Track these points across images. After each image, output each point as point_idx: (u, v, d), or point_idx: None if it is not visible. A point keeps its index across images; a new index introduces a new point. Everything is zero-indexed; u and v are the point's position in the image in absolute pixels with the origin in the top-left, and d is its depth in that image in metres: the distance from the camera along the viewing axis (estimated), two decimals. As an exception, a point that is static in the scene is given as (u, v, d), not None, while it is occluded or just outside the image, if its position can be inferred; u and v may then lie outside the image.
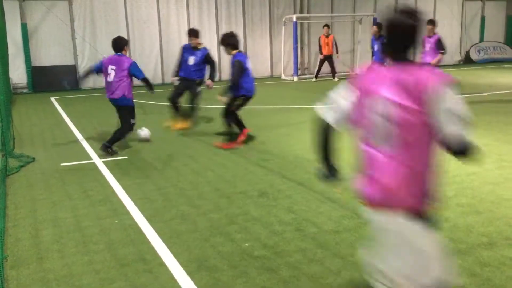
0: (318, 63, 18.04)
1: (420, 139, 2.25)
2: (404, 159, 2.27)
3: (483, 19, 23.72)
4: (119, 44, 7.53)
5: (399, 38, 2.33)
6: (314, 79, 17.75)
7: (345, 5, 20.44)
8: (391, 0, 21.17)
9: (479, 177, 5.83)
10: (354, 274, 3.61)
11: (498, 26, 24.39)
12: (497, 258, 3.79)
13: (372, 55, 12.74)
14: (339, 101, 2.49)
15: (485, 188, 5.43)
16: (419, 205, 2.31)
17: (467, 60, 23.22)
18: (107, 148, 7.38)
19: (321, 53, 17.46)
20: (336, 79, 17.54)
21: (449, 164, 6.73)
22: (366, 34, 19.69)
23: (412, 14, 2.32)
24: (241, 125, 7.89)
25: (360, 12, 20.42)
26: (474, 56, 23.27)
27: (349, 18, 20.39)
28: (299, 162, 6.72)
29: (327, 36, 17.28)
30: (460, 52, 23.35)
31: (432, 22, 10.39)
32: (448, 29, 22.79)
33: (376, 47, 12.45)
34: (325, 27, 17.41)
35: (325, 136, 2.57)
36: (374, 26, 12.84)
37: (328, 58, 17.44)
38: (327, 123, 2.53)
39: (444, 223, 4.48)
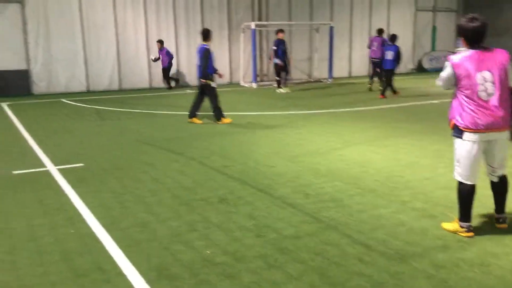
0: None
1: None
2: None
3: (434, 28, 24.62)
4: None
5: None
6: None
7: (303, 14, 20.76)
8: (346, 10, 21.69)
9: (432, 182, 6.02)
10: (315, 278, 3.65)
11: (449, 35, 25.38)
12: (451, 260, 3.92)
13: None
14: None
15: (438, 192, 5.62)
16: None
17: (420, 69, 24.01)
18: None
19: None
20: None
21: (403, 170, 6.88)
22: (323, 42, 20.08)
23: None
24: None
25: (317, 20, 20.79)
26: (426, 64, 24.10)
27: (306, 26, 20.71)
28: (259, 168, 6.74)
29: None
30: (413, 61, 24.13)
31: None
32: (401, 38, 23.46)
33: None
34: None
35: None
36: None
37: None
38: None
39: (400, 227, 4.60)
